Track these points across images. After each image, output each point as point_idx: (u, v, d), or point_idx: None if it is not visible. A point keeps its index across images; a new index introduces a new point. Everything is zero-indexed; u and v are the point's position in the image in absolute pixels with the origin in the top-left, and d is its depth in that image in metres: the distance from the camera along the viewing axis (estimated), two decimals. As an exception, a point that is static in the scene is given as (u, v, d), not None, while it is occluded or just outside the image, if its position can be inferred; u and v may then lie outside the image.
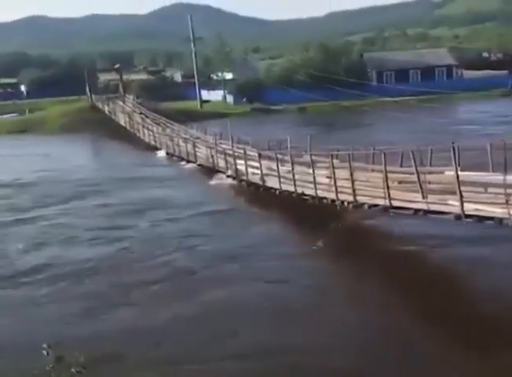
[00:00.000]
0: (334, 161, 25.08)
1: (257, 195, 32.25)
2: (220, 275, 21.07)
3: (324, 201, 25.75)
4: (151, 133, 57.57)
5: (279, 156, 30.19)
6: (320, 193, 25.77)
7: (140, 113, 67.57)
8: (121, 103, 75.59)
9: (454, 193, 18.30)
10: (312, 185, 26.11)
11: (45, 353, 7.97)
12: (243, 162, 34.18)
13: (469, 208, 17.94)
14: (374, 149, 26.08)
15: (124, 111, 70.62)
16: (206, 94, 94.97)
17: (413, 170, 19.73)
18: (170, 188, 37.02)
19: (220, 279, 20.66)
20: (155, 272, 21.48)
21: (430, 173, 21.10)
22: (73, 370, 8.12)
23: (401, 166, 23.66)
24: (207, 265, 22.08)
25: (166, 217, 29.33)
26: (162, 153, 51.77)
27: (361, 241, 24.17)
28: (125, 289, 19.99)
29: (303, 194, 27.31)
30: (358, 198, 23.07)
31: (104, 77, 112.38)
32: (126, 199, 34.09)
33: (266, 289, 19.76)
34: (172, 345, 16.04)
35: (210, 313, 17.75)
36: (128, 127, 65.78)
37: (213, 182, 37.87)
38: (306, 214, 27.13)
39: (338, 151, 27.01)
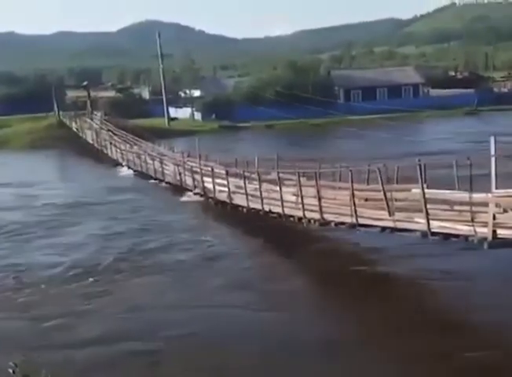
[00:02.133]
0: (301, 179, 25.10)
1: (224, 212, 32.22)
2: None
3: (291, 219, 25.72)
4: (118, 150, 57.27)
5: (247, 174, 30.17)
6: (287, 211, 25.71)
7: (108, 130, 67.29)
8: (88, 120, 75.20)
9: (420, 211, 18.33)
10: (279, 203, 26.05)
11: (11, 371, 7.82)
12: (210, 179, 34.08)
13: (435, 225, 17.98)
14: (341, 167, 26.14)
15: (91, 128, 70.22)
16: (173, 112, 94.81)
17: (380, 187, 19.76)
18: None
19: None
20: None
21: (397, 190, 21.14)
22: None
23: (368, 183, 23.72)
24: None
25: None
26: (128, 171, 51.48)
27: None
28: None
29: (270, 212, 27.26)
30: (325, 216, 23.04)
31: (71, 94, 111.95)
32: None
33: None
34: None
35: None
36: (95, 144, 65.41)
37: (182, 199, 37.82)
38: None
39: (305, 168, 27.04)
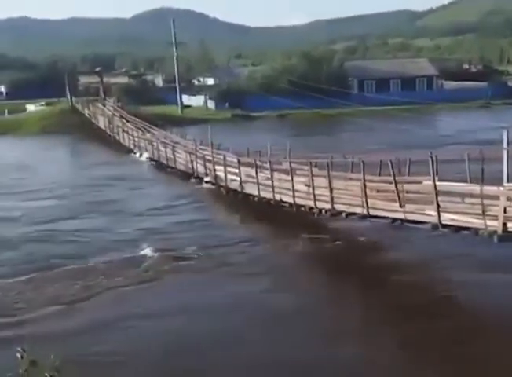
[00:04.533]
0: (313, 169, 25.12)
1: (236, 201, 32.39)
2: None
3: (302, 209, 25.77)
4: (131, 137, 57.31)
5: (259, 163, 30.21)
6: (298, 201, 25.77)
7: (121, 117, 67.19)
8: (101, 106, 75.05)
9: (431, 203, 18.37)
10: (290, 193, 26.12)
11: (19, 356, 7.87)
12: (222, 168, 34.14)
13: (446, 218, 18.02)
14: (353, 158, 26.16)
15: (104, 114, 70.13)
16: (186, 99, 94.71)
17: (391, 179, 19.79)
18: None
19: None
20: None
21: (409, 182, 21.16)
22: (46, 374, 8.04)
23: (380, 175, 23.74)
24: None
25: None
26: (143, 158, 51.53)
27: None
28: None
29: (281, 201, 27.33)
30: (336, 206, 23.12)
31: (84, 80, 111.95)
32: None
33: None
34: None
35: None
36: (108, 131, 65.37)
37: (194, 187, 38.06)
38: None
39: (317, 159, 27.06)
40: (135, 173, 45.64)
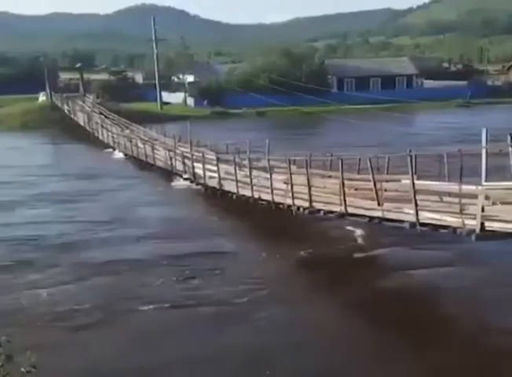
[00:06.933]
0: (292, 167, 25.04)
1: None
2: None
3: (280, 206, 25.66)
4: (109, 133, 56.99)
5: (238, 160, 30.12)
6: (277, 199, 25.66)
7: (100, 113, 67.00)
8: (80, 102, 74.82)
9: (409, 201, 18.31)
10: (269, 190, 26.02)
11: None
12: (201, 165, 33.98)
13: (424, 217, 17.95)
14: (332, 155, 26.07)
15: (83, 110, 69.91)
16: (166, 96, 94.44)
17: (370, 177, 19.72)
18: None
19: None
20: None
21: (387, 181, 21.11)
22: (23, 369, 7.95)
23: (358, 173, 23.66)
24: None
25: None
26: (119, 155, 51.26)
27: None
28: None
29: (260, 199, 27.22)
30: (314, 204, 23.00)
31: (64, 76, 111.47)
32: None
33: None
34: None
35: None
36: (87, 127, 65.08)
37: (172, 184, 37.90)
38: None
39: (295, 156, 26.98)
40: (112, 170, 45.34)
